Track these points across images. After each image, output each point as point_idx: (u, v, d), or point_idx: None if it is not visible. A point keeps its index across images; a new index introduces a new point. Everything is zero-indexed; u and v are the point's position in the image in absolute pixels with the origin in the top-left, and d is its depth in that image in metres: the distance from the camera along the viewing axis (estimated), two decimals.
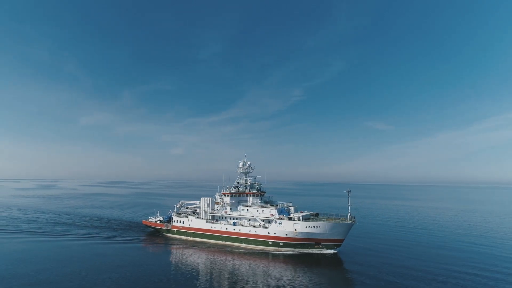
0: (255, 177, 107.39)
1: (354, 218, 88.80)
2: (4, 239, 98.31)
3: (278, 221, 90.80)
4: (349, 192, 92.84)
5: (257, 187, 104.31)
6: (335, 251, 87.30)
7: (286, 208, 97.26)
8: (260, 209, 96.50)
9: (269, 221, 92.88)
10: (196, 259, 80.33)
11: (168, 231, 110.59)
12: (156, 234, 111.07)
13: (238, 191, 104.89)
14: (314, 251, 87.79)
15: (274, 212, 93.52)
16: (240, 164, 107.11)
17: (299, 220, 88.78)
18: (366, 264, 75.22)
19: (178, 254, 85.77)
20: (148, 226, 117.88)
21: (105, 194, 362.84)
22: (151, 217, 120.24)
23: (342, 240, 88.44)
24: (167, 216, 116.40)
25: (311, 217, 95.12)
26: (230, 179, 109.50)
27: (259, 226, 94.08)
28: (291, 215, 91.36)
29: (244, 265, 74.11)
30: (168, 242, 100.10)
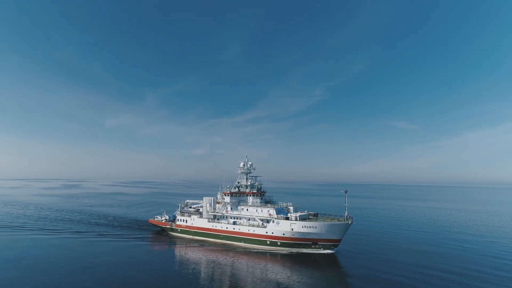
0: (256, 177, 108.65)
1: (352, 218, 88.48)
2: (5, 236, 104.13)
3: (275, 220, 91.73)
4: (346, 192, 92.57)
5: (257, 187, 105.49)
6: (332, 251, 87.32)
7: (285, 208, 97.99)
8: (259, 209, 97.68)
9: (268, 221, 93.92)
10: (196, 257, 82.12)
11: (172, 229, 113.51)
12: (161, 233, 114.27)
13: (239, 191, 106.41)
14: (311, 251, 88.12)
15: (272, 211, 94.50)
16: (241, 165, 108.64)
17: (296, 220, 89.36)
18: (363, 264, 75.21)
19: (178, 253, 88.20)
20: (154, 225, 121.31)
21: (123, 194, 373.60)
22: (157, 216, 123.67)
23: (339, 241, 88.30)
24: (173, 215, 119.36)
25: (310, 217, 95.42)
26: (233, 179, 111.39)
27: (258, 226, 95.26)
28: (288, 215, 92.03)
29: (241, 264, 75.21)
30: (172, 240, 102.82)
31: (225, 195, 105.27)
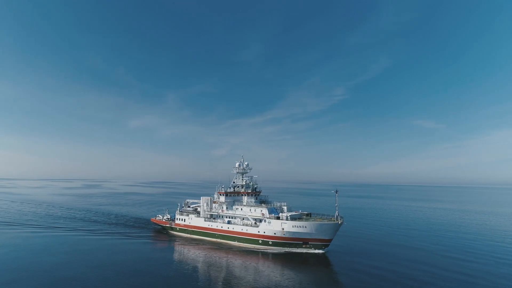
0: (251, 177, 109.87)
1: (342, 218, 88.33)
2: (7, 231, 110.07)
3: (267, 220, 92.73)
4: (336, 192, 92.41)
5: (252, 187, 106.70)
6: (323, 251, 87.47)
7: (278, 208, 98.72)
8: (252, 208, 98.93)
9: (260, 220, 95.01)
10: (190, 256, 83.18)
11: (172, 228, 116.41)
12: (162, 232, 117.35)
13: (234, 190, 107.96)
14: (302, 250, 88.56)
15: (265, 211, 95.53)
16: (237, 165, 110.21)
17: (286, 219, 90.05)
18: (353, 264, 75.07)
19: (173, 251, 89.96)
20: (155, 224, 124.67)
21: (137, 193, 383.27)
22: (159, 215, 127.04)
23: (329, 240, 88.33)
24: (174, 214, 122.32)
25: (303, 216, 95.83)
26: (230, 179, 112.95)
27: (251, 225, 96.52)
28: (280, 214, 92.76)
29: (233, 263, 76.05)
30: (171, 239, 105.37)
31: (220, 194, 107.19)
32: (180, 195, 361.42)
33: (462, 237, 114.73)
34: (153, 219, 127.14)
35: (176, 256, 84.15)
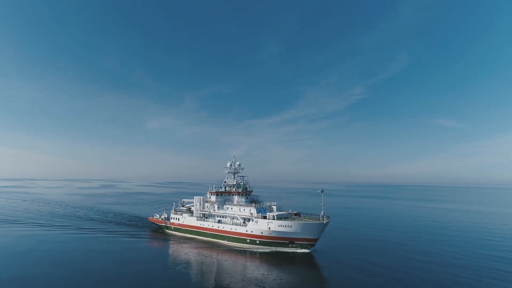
0: (243, 177, 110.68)
1: (328, 218, 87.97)
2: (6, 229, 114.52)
3: (254, 219, 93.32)
4: (322, 192, 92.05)
5: (243, 187, 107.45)
6: (309, 251, 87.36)
7: (268, 207, 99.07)
8: (242, 208, 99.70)
9: (249, 220, 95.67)
10: (180, 255, 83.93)
11: (167, 227, 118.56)
12: (158, 231, 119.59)
13: (225, 190, 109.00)
14: (288, 250, 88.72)
15: (253, 210, 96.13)
16: (228, 165, 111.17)
17: (273, 219, 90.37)
18: (338, 264, 74.97)
19: (165, 250, 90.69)
20: (152, 223, 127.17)
21: (148, 193, 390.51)
22: (156, 214, 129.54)
23: (315, 240, 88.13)
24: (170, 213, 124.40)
25: (291, 216, 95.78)
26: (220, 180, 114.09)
27: (240, 224, 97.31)
28: (267, 214, 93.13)
29: (222, 263, 76.61)
30: (165, 238, 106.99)
31: (212, 194, 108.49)
32: (188, 195, 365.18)
33: (461, 238, 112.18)
34: (150, 218, 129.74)
35: (167, 255, 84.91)
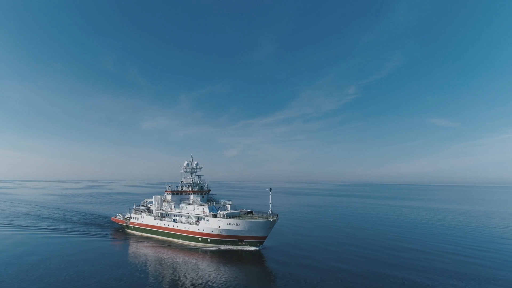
0: (200, 176, 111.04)
1: (277, 216, 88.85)
2: None
3: (206, 218, 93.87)
4: (270, 190, 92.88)
5: (199, 186, 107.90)
6: (258, 248, 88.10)
7: (222, 206, 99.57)
8: (196, 207, 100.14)
9: (202, 219, 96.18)
10: (137, 255, 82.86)
11: (128, 227, 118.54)
12: (119, 230, 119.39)
13: (182, 189, 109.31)
14: (238, 248, 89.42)
15: (206, 209, 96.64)
16: (185, 164, 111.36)
17: (223, 217, 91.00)
18: (285, 261, 75.71)
19: (123, 250, 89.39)
20: (114, 222, 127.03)
21: (129, 193, 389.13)
22: (119, 214, 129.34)
23: (264, 238, 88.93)
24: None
25: (244, 215, 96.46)
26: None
27: (193, 223, 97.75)
28: (218, 212, 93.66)
29: (175, 261, 76.38)
30: (126, 237, 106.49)
31: (167, 193, 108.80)
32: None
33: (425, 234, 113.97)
34: (113, 218, 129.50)
35: (122, 255, 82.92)
